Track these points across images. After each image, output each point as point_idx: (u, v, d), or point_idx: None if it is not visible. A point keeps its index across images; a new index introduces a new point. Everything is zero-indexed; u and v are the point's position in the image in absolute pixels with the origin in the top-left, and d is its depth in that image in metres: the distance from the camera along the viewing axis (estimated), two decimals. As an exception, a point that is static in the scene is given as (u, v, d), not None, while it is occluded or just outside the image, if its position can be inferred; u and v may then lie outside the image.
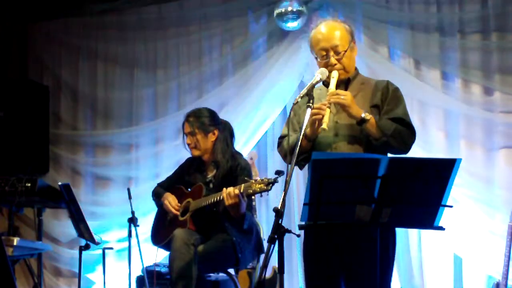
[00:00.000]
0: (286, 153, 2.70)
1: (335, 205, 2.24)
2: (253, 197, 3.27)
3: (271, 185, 3.12)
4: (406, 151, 2.67)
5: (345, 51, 2.68)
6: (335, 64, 2.67)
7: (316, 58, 2.74)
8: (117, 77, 5.42)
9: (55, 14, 5.51)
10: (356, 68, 2.79)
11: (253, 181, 3.19)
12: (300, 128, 2.68)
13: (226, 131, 3.76)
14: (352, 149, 2.63)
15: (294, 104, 2.53)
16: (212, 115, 3.76)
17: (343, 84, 2.72)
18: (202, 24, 5.18)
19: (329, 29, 2.71)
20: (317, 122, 2.53)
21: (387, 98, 2.70)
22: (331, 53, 2.67)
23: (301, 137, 2.41)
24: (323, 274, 2.64)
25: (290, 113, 2.61)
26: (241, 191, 3.27)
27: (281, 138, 2.83)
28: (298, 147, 2.38)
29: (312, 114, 2.50)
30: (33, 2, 5.48)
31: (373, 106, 2.68)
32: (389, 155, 2.60)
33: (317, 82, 2.60)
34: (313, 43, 2.74)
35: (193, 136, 3.69)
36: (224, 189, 3.35)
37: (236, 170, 3.60)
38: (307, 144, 2.63)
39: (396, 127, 2.60)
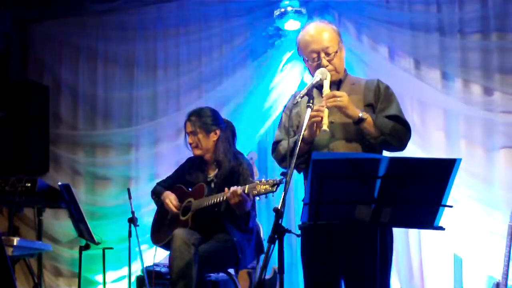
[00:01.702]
0: (283, 158, 2.71)
1: (335, 205, 2.24)
2: (257, 197, 3.27)
3: (276, 186, 3.14)
4: (403, 148, 2.69)
5: (336, 52, 2.69)
6: (327, 66, 2.67)
7: (306, 61, 2.74)
8: (117, 77, 5.41)
9: (55, 14, 5.51)
10: (345, 69, 2.80)
11: (258, 182, 3.20)
12: (295, 132, 2.69)
13: (228, 131, 3.76)
14: (349, 148, 2.64)
15: (294, 104, 2.54)
16: (214, 114, 3.76)
17: (335, 85, 2.73)
18: (202, 24, 5.18)
19: (318, 31, 2.72)
20: (315, 124, 2.53)
21: (380, 97, 2.72)
22: (322, 54, 2.68)
23: (300, 138, 2.41)
24: (323, 274, 2.64)
25: (281, 117, 2.62)
26: (246, 191, 3.27)
27: (275, 143, 2.82)
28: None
29: (311, 117, 2.50)
30: (33, 2, 5.48)
31: (367, 105, 2.70)
32: (389, 154, 2.60)
33: (317, 82, 2.60)
34: (302, 45, 2.74)
35: (194, 135, 3.69)
36: (226, 189, 3.35)
37: (238, 170, 3.61)
38: (304, 147, 2.63)
39: (393, 125, 2.62)
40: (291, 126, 2.78)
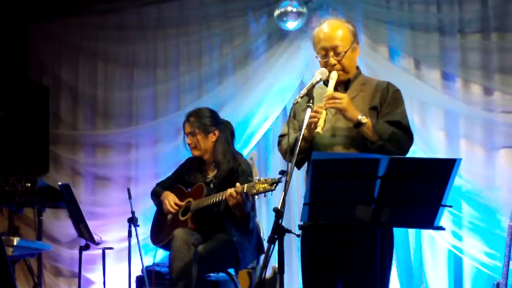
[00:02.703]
0: (286, 152, 2.69)
1: (335, 205, 2.24)
2: (256, 197, 3.26)
3: (275, 185, 3.13)
4: (403, 155, 2.65)
5: (345, 52, 2.65)
6: (335, 65, 2.64)
7: (317, 57, 2.73)
8: (117, 77, 5.41)
9: (55, 14, 5.51)
10: (357, 68, 2.77)
11: (257, 181, 3.19)
12: (300, 128, 2.68)
13: (227, 131, 3.76)
14: (349, 151, 2.62)
15: (294, 104, 2.53)
16: (213, 115, 3.76)
17: (343, 85, 2.71)
18: (202, 24, 5.18)
19: (332, 28, 2.69)
20: (313, 125, 2.52)
21: (386, 100, 2.67)
22: (331, 53, 2.65)
23: (300, 137, 2.41)
24: (322, 274, 2.64)
25: (290, 112, 2.61)
26: (245, 191, 3.26)
27: (281, 136, 2.82)
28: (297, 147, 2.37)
29: (310, 117, 2.49)
30: (33, 2, 5.48)
31: (372, 108, 2.66)
32: (389, 155, 2.60)
33: (317, 82, 2.58)
34: (315, 41, 2.72)
35: (193, 136, 3.69)
36: (229, 189, 3.34)
37: (237, 170, 3.60)
38: (305, 145, 2.62)
39: (393, 131, 2.57)
40: (299, 121, 2.76)
